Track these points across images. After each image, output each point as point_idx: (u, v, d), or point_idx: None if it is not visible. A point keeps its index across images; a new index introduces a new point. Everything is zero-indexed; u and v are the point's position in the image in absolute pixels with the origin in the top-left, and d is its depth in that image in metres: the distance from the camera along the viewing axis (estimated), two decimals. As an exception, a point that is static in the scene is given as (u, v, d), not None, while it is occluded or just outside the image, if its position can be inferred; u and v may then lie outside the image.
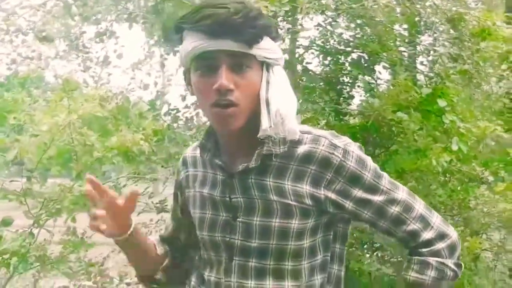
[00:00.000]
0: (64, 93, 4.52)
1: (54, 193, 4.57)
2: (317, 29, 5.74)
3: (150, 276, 2.11)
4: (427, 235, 1.87)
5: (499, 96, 4.96)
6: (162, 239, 2.16)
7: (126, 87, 5.91)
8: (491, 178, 5.80)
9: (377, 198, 1.84)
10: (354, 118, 5.79)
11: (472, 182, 5.77)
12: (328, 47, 5.73)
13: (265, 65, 1.79)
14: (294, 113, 1.79)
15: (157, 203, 5.86)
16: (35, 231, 4.82)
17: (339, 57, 5.67)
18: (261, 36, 1.75)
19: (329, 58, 5.70)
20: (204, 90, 1.76)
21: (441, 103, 4.66)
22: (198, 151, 1.99)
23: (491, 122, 5.03)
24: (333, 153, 1.80)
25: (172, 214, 2.19)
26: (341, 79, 5.70)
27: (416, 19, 5.11)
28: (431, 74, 5.15)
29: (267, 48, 1.77)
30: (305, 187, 1.80)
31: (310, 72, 5.31)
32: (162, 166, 4.62)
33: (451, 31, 4.78)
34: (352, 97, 5.83)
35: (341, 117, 5.50)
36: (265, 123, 1.74)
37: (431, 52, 5.03)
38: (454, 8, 4.54)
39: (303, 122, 5.69)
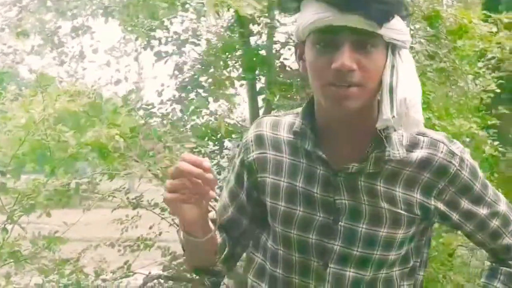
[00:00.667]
0: (38, 88, 4.44)
1: (28, 189, 4.47)
2: (295, 25, 5.68)
3: (207, 268, 1.85)
4: None
5: (475, 93, 4.94)
6: (219, 226, 1.85)
7: (99, 82, 5.82)
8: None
9: (482, 211, 1.75)
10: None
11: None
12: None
13: (391, 47, 1.59)
14: (420, 103, 1.61)
15: (133, 199, 5.79)
16: (8, 227, 4.73)
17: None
18: (393, 14, 1.54)
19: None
20: (321, 67, 1.56)
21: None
22: (281, 132, 1.78)
23: (466, 120, 5.01)
24: (450, 161, 1.68)
25: (230, 197, 1.90)
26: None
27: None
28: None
29: (396, 28, 1.56)
30: (416, 195, 1.68)
31: (288, 68, 5.24)
32: (136, 161, 4.53)
33: (428, 28, 4.74)
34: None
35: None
36: (386, 112, 1.56)
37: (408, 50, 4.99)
38: (431, 6, 4.51)
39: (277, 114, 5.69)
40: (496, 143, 5.90)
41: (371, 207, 1.66)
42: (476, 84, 4.89)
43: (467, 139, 5.40)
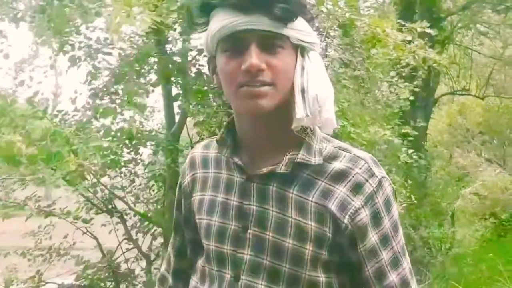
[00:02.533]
0: None
1: None
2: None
3: None
4: None
5: (389, 101, 4.93)
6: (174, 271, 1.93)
7: (10, 88, 5.58)
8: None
9: (384, 256, 1.60)
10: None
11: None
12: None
13: (300, 49, 1.56)
14: (332, 102, 1.56)
15: (44, 207, 5.61)
16: None
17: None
18: (296, 14, 1.52)
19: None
20: (231, 71, 1.52)
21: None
22: (210, 150, 1.76)
23: (381, 127, 5.01)
24: (367, 180, 1.56)
25: (174, 228, 1.91)
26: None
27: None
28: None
29: (302, 29, 1.54)
30: (330, 208, 1.54)
31: (204, 76, 5.13)
32: (44, 166, 4.32)
33: (343, 37, 4.71)
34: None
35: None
36: (300, 111, 1.51)
37: (323, 57, 4.95)
38: (345, 15, 4.47)
39: (195, 126, 5.60)
40: (410, 150, 5.95)
41: (278, 214, 1.56)
42: (391, 92, 4.89)
43: (384, 146, 5.39)
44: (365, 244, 1.57)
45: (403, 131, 6.07)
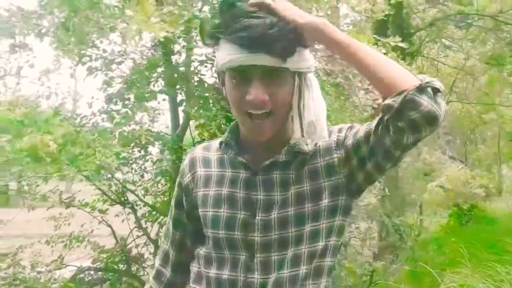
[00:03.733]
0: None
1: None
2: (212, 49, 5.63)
3: None
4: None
5: (366, 106, 4.97)
6: (163, 263, 1.94)
7: (36, 94, 5.58)
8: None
9: (358, 134, 1.65)
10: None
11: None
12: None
13: (297, 74, 1.61)
14: (324, 119, 1.63)
15: (66, 199, 5.66)
16: None
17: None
18: (295, 49, 1.56)
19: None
20: (237, 99, 1.59)
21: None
22: (211, 151, 1.79)
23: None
24: (330, 134, 1.69)
25: (174, 224, 1.89)
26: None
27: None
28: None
29: (300, 59, 1.58)
30: (321, 168, 1.66)
31: (205, 83, 5.17)
32: (68, 165, 4.37)
33: (326, 49, 4.75)
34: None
35: (231, 123, 5.40)
36: (297, 133, 1.61)
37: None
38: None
39: (197, 128, 5.64)
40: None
41: (282, 196, 1.64)
42: (367, 99, 4.92)
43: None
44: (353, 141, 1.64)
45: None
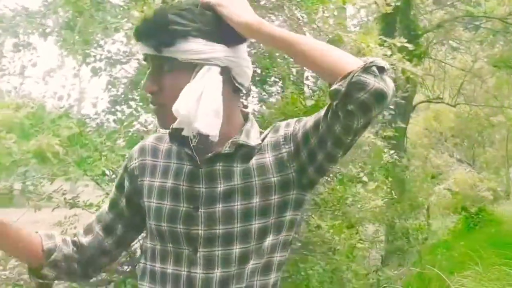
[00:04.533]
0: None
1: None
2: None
3: (36, 270, 1.70)
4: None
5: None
6: (87, 230, 1.78)
7: (43, 95, 5.59)
8: (365, 179, 5.82)
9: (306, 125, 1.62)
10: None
11: (351, 182, 5.78)
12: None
13: (199, 65, 1.56)
14: (203, 114, 1.53)
15: (70, 199, 5.65)
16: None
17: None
18: (171, 40, 1.54)
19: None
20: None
21: (324, 112, 4.63)
22: (162, 143, 1.73)
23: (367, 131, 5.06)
24: (276, 128, 1.67)
25: (110, 205, 1.80)
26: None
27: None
28: (315, 88, 5.09)
29: (189, 49, 1.54)
30: (269, 163, 1.61)
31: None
32: (74, 167, 4.37)
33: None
34: (246, 106, 5.73)
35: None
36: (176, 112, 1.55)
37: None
38: (335, 31, 4.49)
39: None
40: (392, 151, 5.97)
41: (226, 187, 1.60)
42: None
43: (368, 148, 5.41)
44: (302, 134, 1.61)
45: (385, 134, 6.11)
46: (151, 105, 1.63)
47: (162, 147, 1.72)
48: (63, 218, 6.12)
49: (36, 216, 5.51)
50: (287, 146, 1.62)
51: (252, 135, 1.64)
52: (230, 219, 1.59)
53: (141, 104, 5.05)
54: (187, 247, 1.61)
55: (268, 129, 1.69)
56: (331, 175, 5.56)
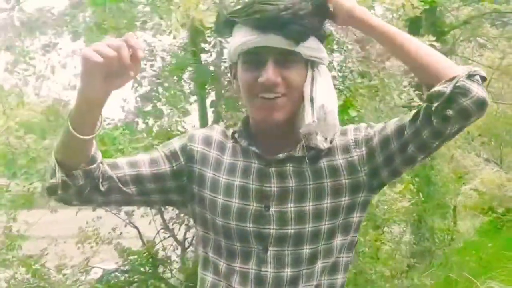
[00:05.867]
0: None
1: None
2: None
3: (70, 166, 1.50)
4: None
5: (401, 108, 4.93)
6: (113, 165, 1.63)
7: (66, 96, 5.61)
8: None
9: (388, 130, 1.64)
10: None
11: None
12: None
13: (310, 63, 1.63)
14: (336, 110, 1.63)
15: None
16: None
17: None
18: (308, 34, 1.59)
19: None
20: (250, 81, 1.59)
21: (352, 113, 4.60)
22: (227, 138, 1.75)
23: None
24: (346, 133, 1.70)
25: (152, 162, 1.69)
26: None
27: (330, 38, 5.03)
28: (341, 87, 5.06)
29: (313, 47, 1.61)
30: (340, 165, 1.65)
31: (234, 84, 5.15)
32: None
33: (360, 50, 4.72)
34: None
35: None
36: (308, 118, 1.58)
37: (343, 68, 4.95)
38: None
39: (226, 128, 5.62)
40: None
41: (297, 187, 1.64)
42: (401, 99, 4.87)
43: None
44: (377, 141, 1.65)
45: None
46: (264, 96, 1.58)
47: (228, 145, 1.74)
48: (86, 219, 6.17)
49: (54, 216, 5.56)
50: (358, 150, 1.66)
51: (318, 137, 1.65)
52: (302, 219, 1.62)
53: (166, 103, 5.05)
54: (256, 245, 1.64)
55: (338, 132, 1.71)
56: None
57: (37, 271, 5.27)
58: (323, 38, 1.66)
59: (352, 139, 1.67)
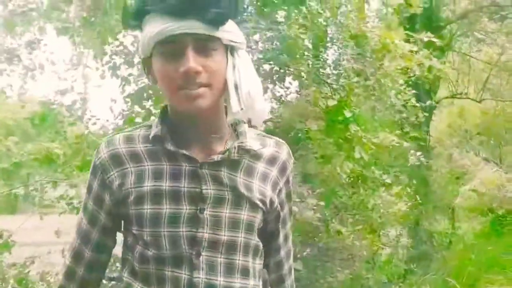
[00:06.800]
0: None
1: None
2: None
3: None
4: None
5: (397, 108, 4.94)
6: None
7: (48, 95, 5.58)
8: (389, 181, 5.80)
9: (289, 223, 1.88)
10: (264, 123, 5.71)
11: (374, 184, 5.77)
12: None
13: (230, 48, 1.62)
14: (261, 95, 1.65)
15: (78, 203, 5.63)
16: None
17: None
18: (227, 17, 1.57)
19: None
20: (170, 73, 1.55)
21: (347, 113, 4.60)
22: (137, 144, 1.69)
23: (391, 133, 5.05)
24: (288, 162, 1.79)
25: (90, 222, 1.74)
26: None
27: (324, 34, 5.03)
28: (336, 86, 5.07)
29: (232, 31, 1.60)
30: (268, 189, 1.72)
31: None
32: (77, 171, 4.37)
33: (355, 47, 4.71)
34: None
35: (251, 122, 5.38)
36: (235, 106, 1.58)
37: (337, 66, 4.95)
38: (357, 26, 4.47)
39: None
40: (419, 153, 5.95)
41: (233, 193, 1.65)
42: (398, 99, 4.88)
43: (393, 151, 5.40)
44: (283, 213, 1.83)
45: (410, 135, 6.07)
46: (187, 88, 1.56)
47: (140, 149, 1.69)
48: (67, 224, 6.14)
49: (39, 222, 5.53)
50: (277, 187, 1.77)
51: (249, 137, 1.70)
52: (236, 227, 1.66)
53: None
54: (189, 250, 1.62)
55: (272, 140, 1.79)
56: (351, 178, 5.54)
57: (22, 280, 5.24)
58: (240, 22, 1.65)
59: (289, 170, 1.80)
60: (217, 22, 1.55)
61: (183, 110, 1.61)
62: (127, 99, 5.39)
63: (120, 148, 1.69)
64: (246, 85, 1.59)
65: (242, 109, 1.58)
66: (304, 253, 5.96)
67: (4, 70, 5.81)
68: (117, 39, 5.32)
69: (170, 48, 1.55)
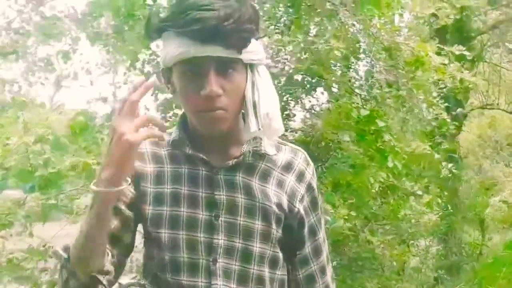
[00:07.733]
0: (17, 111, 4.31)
1: (5, 207, 4.32)
2: (267, 51, 5.65)
3: (100, 269, 1.58)
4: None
5: (429, 120, 4.93)
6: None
7: (86, 104, 5.69)
8: (419, 192, 5.79)
9: (321, 235, 1.84)
10: (296, 133, 5.74)
11: (404, 195, 5.77)
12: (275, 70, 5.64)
13: (249, 66, 1.62)
14: (279, 112, 1.65)
15: None
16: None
17: (281, 78, 5.58)
18: (250, 40, 1.58)
19: (275, 81, 5.61)
20: (191, 94, 1.57)
21: (380, 123, 4.61)
22: (160, 147, 1.72)
23: (422, 142, 5.05)
24: (306, 168, 1.77)
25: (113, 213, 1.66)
26: (284, 98, 5.60)
27: (357, 45, 5.04)
28: (368, 97, 5.08)
29: (253, 50, 1.60)
30: (285, 196, 1.70)
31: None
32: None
33: (387, 59, 4.73)
34: (294, 115, 5.78)
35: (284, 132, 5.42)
36: (253, 126, 1.60)
37: (370, 78, 4.95)
38: (390, 38, 4.49)
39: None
40: (450, 164, 5.94)
41: (247, 201, 1.66)
42: (429, 112, 4.88)
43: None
44: (308, 221, 1.78)
45: (442, 147, 6.06)
46: (207, 111, 1.57)
47: (163, 153, 1.72)
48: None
49: (69, 229, 5.60)
50: (299, 206, 1.75)
51: (265, 142, 1.70)
52: (250, 236, 1.66)
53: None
54: (205, 256, 1.63)
55: (288, 147, 1.79)
56: (381, 188, 5.55)
57: (54, 285, 5.29)
58: (260, 37, 1.66)
59: (308, 177, 1.77)
60: (241, 47, 1.55)
61: (203, 131, 1.63)
62: (160, 107, 5.47)
63: (145, 148, 1.73)
64: (264, 105, 1.60)
65: (259, 129, 1.60)
66: (334, 263, 5.97)
67: (39, 78, 5.93)
68: (149, 48, 5.40)
69: (192, 68, 1.55)
